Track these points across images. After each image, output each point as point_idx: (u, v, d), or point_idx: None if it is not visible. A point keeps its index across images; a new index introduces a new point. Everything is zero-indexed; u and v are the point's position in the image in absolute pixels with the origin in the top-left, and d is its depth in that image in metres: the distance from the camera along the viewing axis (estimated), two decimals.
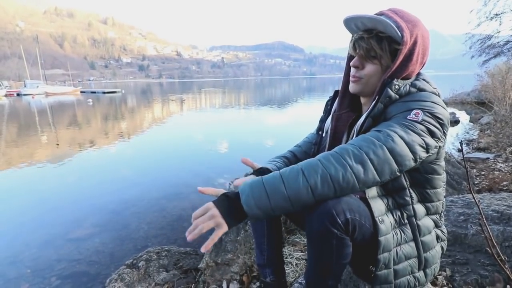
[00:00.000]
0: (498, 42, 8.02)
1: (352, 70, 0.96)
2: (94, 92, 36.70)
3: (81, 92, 38.88)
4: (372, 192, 0.87)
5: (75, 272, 2.25)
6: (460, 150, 4.32)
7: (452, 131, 6.50)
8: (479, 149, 4.27)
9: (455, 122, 7.65)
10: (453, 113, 8.24)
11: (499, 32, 7.70)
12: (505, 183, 2.66)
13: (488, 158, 3.61)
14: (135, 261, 1.82)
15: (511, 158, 3.44)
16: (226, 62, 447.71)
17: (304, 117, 10.88)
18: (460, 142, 0.75)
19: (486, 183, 2.79)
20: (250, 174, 1.02)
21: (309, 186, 0.74)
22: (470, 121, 7.72)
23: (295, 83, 67.41)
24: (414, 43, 0.87)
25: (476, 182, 2.85)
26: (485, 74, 9.28)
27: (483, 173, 3.11)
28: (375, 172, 0.75)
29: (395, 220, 0.88)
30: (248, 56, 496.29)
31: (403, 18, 0.88)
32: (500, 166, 3.23)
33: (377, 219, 0.83)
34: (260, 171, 1.00)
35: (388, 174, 0.77)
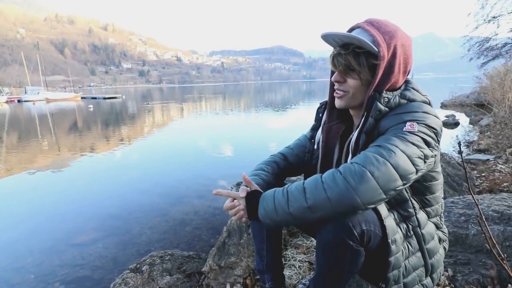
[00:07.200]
0: (496, 45, 8.08)
1: (336, 84, 0.95)
2: (95, 98, 36.81)
3: (82, 98, 39.03)
4: (384, 211, 0.85)
5: (79, 277, 2.26)
6: (460, 152, 4.36)
7: (452, 133, 6.51)
8: (479, 151, 4.28)
9: (454, 124, 7.67)
10: (452, 115, 8.27)
11: (497, 34, 7.77)
12: (505, 184, 2.67)
13: (488, 159, 3.62)
14: (138, 265, 1.83)
15: (511, 159, 3.45)
16: (226, 66, 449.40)
17: (303, 120, 10.90)
18: (458, 143, 0.77)
19: (487, 184, 2.80)
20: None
21: (308, 207, 0.75)
22: (470, 123, 7.74)
23: (295, 87, 67.59)
24: (393, 55, 0.85)
25: (476, 184, 2.86)
26: (483, 76, 9.33)
27: (483, 174, 3.12)
28: (380, 190, 0.73)
29: (403, 234, 0.88)
30: (247, 61, 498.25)
31: (379, 29, 0.85)
32: (501, 167, 3.24)
33: (389, 240, 0.82)
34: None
35: (393, 190, 0.75)
